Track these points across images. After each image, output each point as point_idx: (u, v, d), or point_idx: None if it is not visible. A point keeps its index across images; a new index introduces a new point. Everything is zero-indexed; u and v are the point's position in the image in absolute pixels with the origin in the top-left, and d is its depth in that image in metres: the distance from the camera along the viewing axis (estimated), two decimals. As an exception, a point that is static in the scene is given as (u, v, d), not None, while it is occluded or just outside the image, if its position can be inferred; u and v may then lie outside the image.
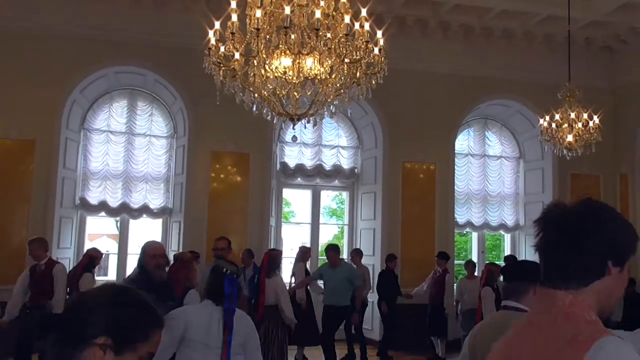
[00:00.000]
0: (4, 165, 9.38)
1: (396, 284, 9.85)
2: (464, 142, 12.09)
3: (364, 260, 10.27)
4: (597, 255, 1.36)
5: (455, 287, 9.97)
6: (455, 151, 11.55)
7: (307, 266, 9.72)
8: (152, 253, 4.38)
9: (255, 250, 9.31)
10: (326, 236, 17.32)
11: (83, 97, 10.23)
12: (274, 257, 7.28)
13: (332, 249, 8.68)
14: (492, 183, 12.10)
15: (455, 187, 11.45)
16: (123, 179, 10.40)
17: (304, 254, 9.49)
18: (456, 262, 11.61)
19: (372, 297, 10.29)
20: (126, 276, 9.02)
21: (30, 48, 9.56)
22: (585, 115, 8.39)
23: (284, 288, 7.23)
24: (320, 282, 9.10)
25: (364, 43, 5.00)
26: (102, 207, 10.30)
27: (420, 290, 10.06)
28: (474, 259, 11.60)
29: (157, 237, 10.90)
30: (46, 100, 9.56)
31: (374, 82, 5.16)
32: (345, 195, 12.35)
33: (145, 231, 12.89)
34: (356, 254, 9.96)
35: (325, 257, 10.60)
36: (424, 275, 10.18)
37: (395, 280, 9.87)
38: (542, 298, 1.40)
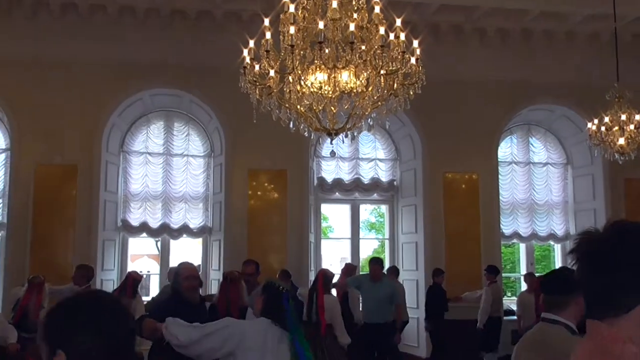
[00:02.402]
0: (48, 190, 9.68)
1: (444, 300, 9.71)
2: (507, 149, 11.90)
3: (407, 276, 10.19)
4: (629, 280, 1.30)
5: (516, 301, 9.79)
6: (499, 159, 11.40)
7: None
8: (185, 274, 4.38)
9: (296, 267, 9.36)
10: (366, 251, 17.23)
11: (121, 120, 10.49)
12: (330, 276, 7.20)
13: (377, 262, 8.59)
14: (538, 191, 11.86)
15: (500, 197, 11.28)
16: (162, 199, 10.60)
17: (350, 271, 9.40)
18: (503, 274, 11.40)
19: (417, 312, 10.17)
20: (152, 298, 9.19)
21: (68, 75, 9.87)
22: (637, 117, 8.05)
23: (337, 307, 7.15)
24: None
25: (400, 53, 5.00)
26: (143, 228, 10.51)
27: (472, 295, 9.90)
28: (523, 271, 11.39)
29: (198, 257, 11.07)
30: (86, 125, 9.85)
31: (411, 93, 5.14)
32: (384, 208, 12.29)
33: (186, 251, 13.06)
34: (392, 272, 9.81)
35: (363, 272, 10.57)
36: (472, 288, 10.04)
37: (443, 295, 9.73)
38: (588, 331, 1.35)
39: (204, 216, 10.75)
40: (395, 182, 11.52)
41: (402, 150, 11.53)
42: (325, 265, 11.44)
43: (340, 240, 12.89)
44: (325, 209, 12.42)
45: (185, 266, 4.54)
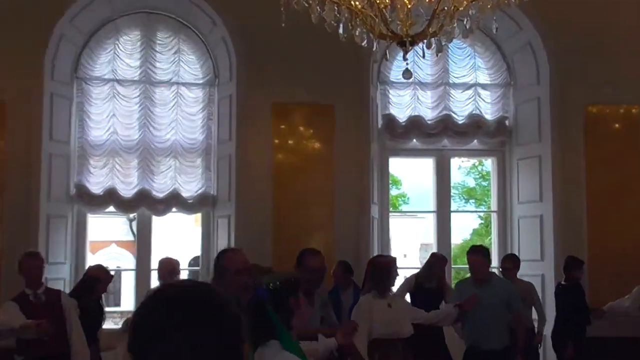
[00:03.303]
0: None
1: (585, 306, 9.71)
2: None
3: (527, 269, 10.16)
4: None
5: None
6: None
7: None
8: (236, 267, 4.50)
9: (351, 258, 9.49)
10: (461, 232, 17.16)
11: (74, 29, 10.62)
12: (381, 266, 7.38)
13: (479, 253, 8.43)
14: None
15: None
16: (139, 153, 10.80)
17: (437, 266, 9.44)
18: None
19: (546, 328, 10.19)
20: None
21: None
22: None
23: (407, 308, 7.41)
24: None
25: None
26: (110, 198, 10.70)
27: (619, 305, 9.85)
28: None
29: (196, 241, 11.24)
30: (20, 39, 9.98)
31: (532, -24, 5.13)
32: (490, 163, 12.24)
33: (177, 233, 13.33)
34: (510, 263, 9.78)
35: (453, 266, 10.58)
36: (631, 289, 9.86)
37: (582, 298, 9.72)
38: None
39: (204, 179, 10.93)
40: (507, 122, 11.51)
41: (518, 70, 11.47)
42: (398, 254, 11.50)
43: (420, 217, 12.92)
44: (396, 165, 12.51)
45: (233, 256, 4.67)
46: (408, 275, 9.73)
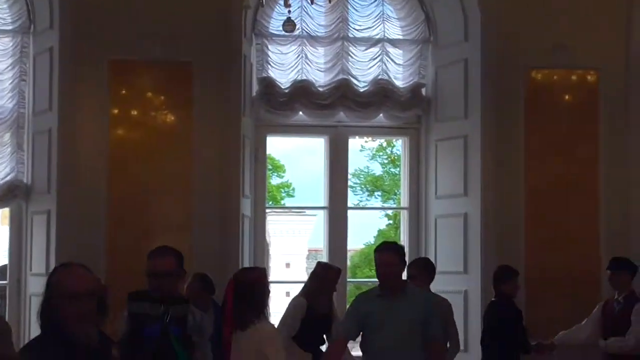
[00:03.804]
0: None
1: (521, 329, 9.70)
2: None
3: (447, 284, 10.23)
4: None
5: None
6: (640, 45, 11.54)
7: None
8: (70, 289, 4.31)
9: (215, 268, 9.53)
10: (362, 234, 17.25)
11: None
12: (244, 288, 7.17)
13: (390, 250, 8.25)
14: None
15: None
16: None
17: (327, 281, 9.46)
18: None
19: (467, 357, 10.38)
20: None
21: None
22: None
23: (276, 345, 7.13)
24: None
25: None
26: None
27: (575, 335, 9.93)
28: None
29: (3, 246, 11.05)
30: None
31: None
32: (401, 145, 12.37)
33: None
34: (415, 270, 9.66)
35: (351, 280, 10.54)
36: (580, 309, 10.04)
37: (518, 318, 9.69)
38: None
39: (15, 162, 10.85)
40: (423, 90, 11.64)
41: (439, 22, 11.61)
42: (278, 263, 11.51)
43: (308, 214, 12.94)
44: (277, 146, 12.56)
45: (65, 272, 4.48)
46: (293, 297, 9.62)
